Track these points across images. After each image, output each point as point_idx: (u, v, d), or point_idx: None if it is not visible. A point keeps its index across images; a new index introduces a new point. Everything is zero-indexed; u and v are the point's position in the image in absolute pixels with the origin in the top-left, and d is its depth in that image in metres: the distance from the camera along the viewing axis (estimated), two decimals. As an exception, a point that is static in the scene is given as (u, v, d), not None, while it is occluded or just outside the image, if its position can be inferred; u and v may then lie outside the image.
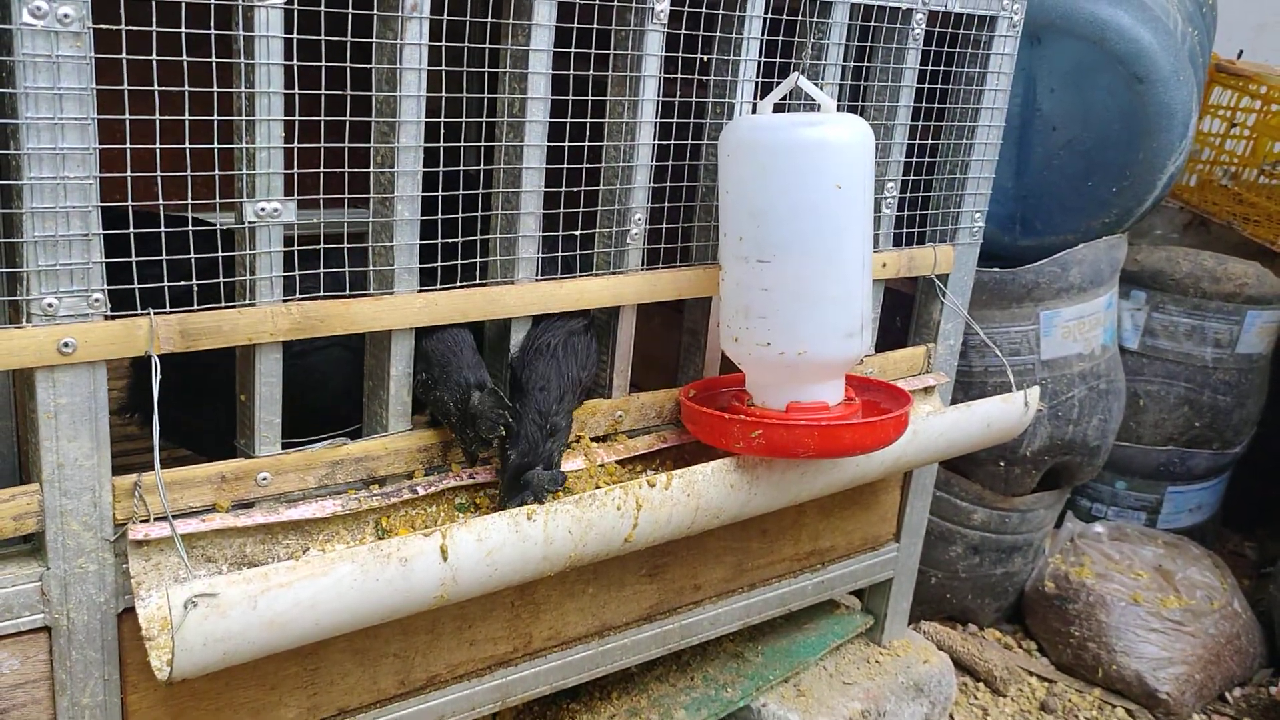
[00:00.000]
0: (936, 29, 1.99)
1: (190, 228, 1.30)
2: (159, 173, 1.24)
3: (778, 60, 1.79)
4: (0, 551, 1.33)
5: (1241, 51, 3.58)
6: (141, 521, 1.35)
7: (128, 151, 1.22)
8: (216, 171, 1.30)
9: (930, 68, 2.00)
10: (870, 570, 2.33)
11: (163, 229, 1.28)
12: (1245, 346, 3.13)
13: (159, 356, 1.29)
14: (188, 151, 1.26)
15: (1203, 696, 2.80)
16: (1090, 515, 3.32)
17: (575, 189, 1.64)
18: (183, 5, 1.21)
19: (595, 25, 1.56)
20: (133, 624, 1.37)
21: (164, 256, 1.28)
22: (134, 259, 1.27)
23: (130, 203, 1.28)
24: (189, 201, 1.30)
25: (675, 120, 1.72)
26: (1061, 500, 3.04)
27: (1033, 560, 3.01)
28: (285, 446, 1.47)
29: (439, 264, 1.51)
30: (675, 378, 2.02)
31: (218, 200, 1.33)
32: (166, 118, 1.22)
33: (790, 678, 2.24)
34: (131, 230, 1.26)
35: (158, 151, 1.23)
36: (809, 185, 1.62)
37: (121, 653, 1.39)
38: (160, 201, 1.28)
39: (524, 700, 1.83)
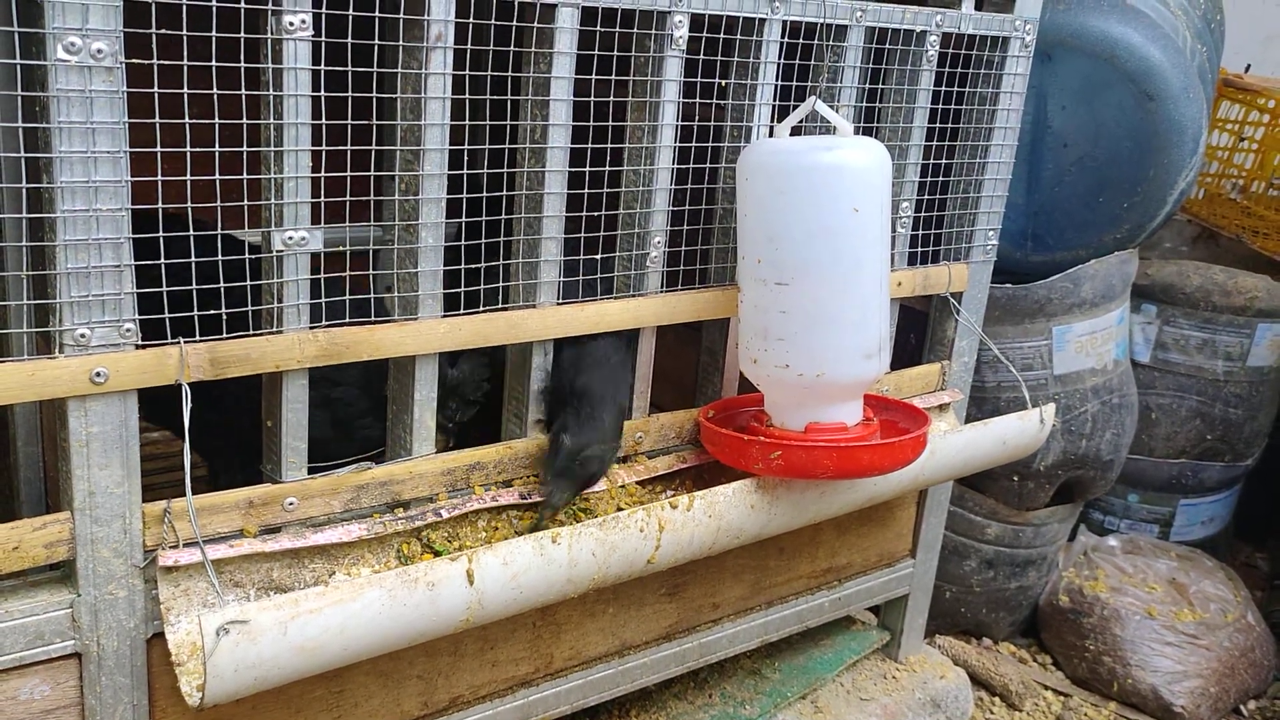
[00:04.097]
0: (950, 50, 2.00)
1: (220, 258, 1.32)
2: (189, 204, 1.26)
3: (794, 83, 1.80)
4: (31, 579, 1.34)
5: (1249, 65, 3.59)
6: (171, 547, 1.36)
7: (159, 184, 1.24)
8: (245, 202, 1.31)
9: (944, 88, 2.01)
10: (886, 586, 2.34)
11: (193, 259, 1.29)
12: (1256, 359, 3.14)
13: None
14: (217, 183, 1.28)
15: (1218, 710, 2.79)
16: (1103, 528, 3.32)
17: (595, 213, 1.66)
18: (213, 40, 1.23)
19: (615, 51, 1.57)
20: (162, 649, 1.38)
21: (194, 286, 1.30)
22: (165, 289, 1.28)
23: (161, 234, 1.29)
24: (219, 232, 1.32)
25: (694, 144, 1.73)
26: (1074, 514, 3.04)
27: (1046, 574, 3.01)
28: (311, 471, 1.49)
29: (463, 289, 1.53)
30: (688, 393, 2.03)
31: (246, 231, 1.34)
32: (197, 149, 1.24)
33: (808, 694, 2.24)
34: (163, 260, 1.28)
35: (188, 183, 1.25)
36: (826, 209, 1.63)
37: (150, 678, 1.40)
38: (190, 232, 1.29)
39: (545, 720, 1.84)
